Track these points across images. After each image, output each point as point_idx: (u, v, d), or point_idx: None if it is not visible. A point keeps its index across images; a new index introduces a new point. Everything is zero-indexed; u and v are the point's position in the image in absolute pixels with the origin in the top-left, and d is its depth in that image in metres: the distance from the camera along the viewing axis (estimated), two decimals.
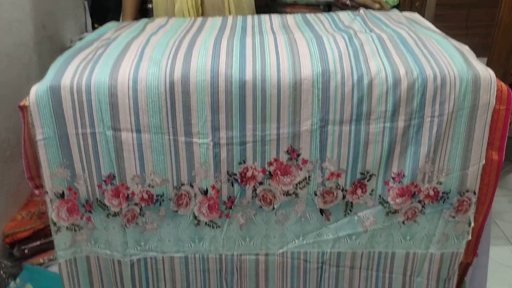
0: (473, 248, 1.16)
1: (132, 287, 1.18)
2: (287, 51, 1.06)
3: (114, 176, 1.05)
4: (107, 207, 1.08)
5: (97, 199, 1.07)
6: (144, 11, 1.87)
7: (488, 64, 1.81)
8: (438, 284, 1.17)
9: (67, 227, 1.09)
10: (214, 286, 1.20)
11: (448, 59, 1.03)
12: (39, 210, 1.54)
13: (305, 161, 1.05)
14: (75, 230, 1.10)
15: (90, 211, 1.09)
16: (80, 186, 1.06)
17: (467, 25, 2.25)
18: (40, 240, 1.45)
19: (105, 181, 1.05)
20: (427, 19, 1.56)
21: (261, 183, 1.07)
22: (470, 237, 1.12)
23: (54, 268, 1.41)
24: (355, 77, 0.98)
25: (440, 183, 1.06)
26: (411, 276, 1.18)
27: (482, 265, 1.28)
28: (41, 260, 1.42)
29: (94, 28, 2.10)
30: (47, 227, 1.47)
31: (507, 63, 1.84)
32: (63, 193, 1.06)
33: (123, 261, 1.14)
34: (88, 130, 1.01)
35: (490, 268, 1.33)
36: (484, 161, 1.05)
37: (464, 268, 1.21)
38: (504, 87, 1.01)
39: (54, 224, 1.09)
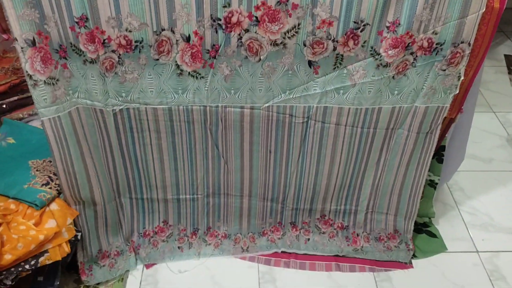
0: (459, 103, 1.15)
1: (117, 135, 1.17)
2: None
3: (87, 18, 0.96)
4: (83, 52, 1.01)
5: (71, 43, 1.00)
6: None
7: None
8: (418, 136, 1.19)
9: (44, 81, 1.02)
10: (199, 137, 1.20)
11: None
12: (13, 66, 1.46)
13: (295, 6, 0.97)
14: (53, 84, 1.04)
15: (65, 57, 1.02)
16: (51, 29, 0.97)
17: None
18: (17, 95, 1.40)
19: (77, 22, 0.96)
20: None
21: (247, 31, 1.00)
22: (457, 91, 1.10)
23: (35, 123, 1.38)
24: None
25: (436, 33, 1.01)
26: (393, 129, 1.19)
27: (465, 124, 1.30)
28: (21, 115, 1.39)
29: None
30: (22, 82, 1.42)
31: None
32: (33, 40, 0.98)
33: (105, 111, 1.11)
34: None
35: (470, 132, 1.35)
36: (484, 9, 0.98)
37: (447, 124, 1.22)
38: None
39: (30, 77, 1.01)
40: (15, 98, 1.39)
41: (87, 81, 1.06)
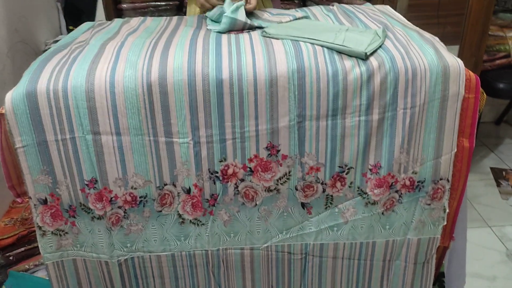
0: (449, 232, 1.20)
1: (121, 284, 1.19)
2: (262, 48, 1.07)
3: (96, 180, 1.05)
4: (91, 210, 1.08)
5: (80, 203, 1.08)
6: (118, 11, 1.86)
7: (460, 53, 1.86)
8: (416, 267, 1.22)
9: (52, 232, 1.10)
10: (202, 279, 1.22)
11: (418, 51, 1.06)
12: (22, 216, 1.54)
13: (284, 157, 1.07)
14: (60, 235, 1.11)
15: (74, 216, 1.09)
16: (62, 192, 1.06)
17: (439, 14, 2.30)
18: (24, 246, 1.45)
19: (87, 185, 1.05)
20: (400, 9, 1.60)
21: (242, 180, 1.09)
22: (445, 223, 1.16)
23: (40, 273, 1.41)
24: (330, 73, 1.01)
25: (415, 173, 1.10)
26: (390, 261, 1.22)
27: (460, 248, 1.33)
28: (27, 266, 1.42)
29: (68, 30, 2.08)
30: (30, 233, 1.47)
31: (478, 51, 1.89)
32: (45, 199, 1.06)
33: (111, 262, 1.15)
34: (68, 136, 1.01)
35: (469, 250, 1.38)
36: (455, 149, 1.09)
37: (442, 252, 1.26)
38: (473, 76, 1.04)
39: (40, 228, 1.10)
40: (22, 249, 1.43)
41: (93, 236, 1.12)
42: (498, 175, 2.35)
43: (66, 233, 1.11)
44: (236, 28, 1.24)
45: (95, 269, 1.17)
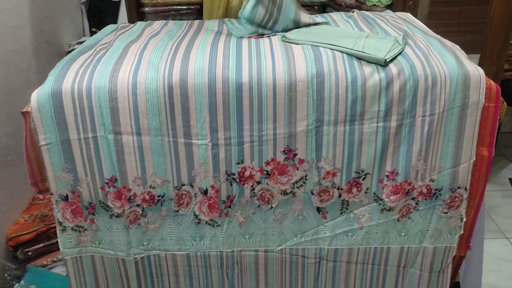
0: (466, 242, 1.19)
1: (137, 281, 1.21)
2: (282, 53, 1.09)
3: (116, 179, 1.07)
4: (110, 208, 1.11)
5: (100, 201, 1.10)
6: (140, 14, 1.89)
7: (481, 62, 1.83)
8: (431, 276, 1.21)
9: (72, 228, 1.13)
10: (216, 280, 1.23)
11: (439, 59, 1.06)
12: (42, 212, 1.57)
13: (301, 161, 1.08)
14: (79, 231, 1.13)
15: (93, 213, 1.12)
16: (83, 190, 1.09)
17: (459, 22, 2.28)
18: (43, 242, 1.48)
19: (107, 183, 1.08)
20: (420, 17, 1.59)
21: (259, 183, 1.10)
22: (462, 232, 1.15)
23: (57, 270, 1.44)
24: (349, 79, 1.01)
25: (433, 181, 1.09)
26: (404, 268, 1.21)
27: (476, 258, 1.31)
28: (45, 262, 1.45)
29: (92, 32, 2.12)
30: (49, 230, 1.50)
31: (499, 60, 1.86)
32: (67, 196, 1.09)
33: (127, 260, 1.17)
34: (90, 135, 1.04)
35: (486, 261, 1.36)
36: (474, 158, 1.08)
37: (458, 261, 1.24)
38: (493, 85, 1.04)
39: (60, 223, 1.12)
40: (41, 245, 1.47)
41: (111, 233, 1.14)
42: None
43: (86, 229, 1.13)
44: (256, 21, 1.25)
45: (112, 266, 1.19)
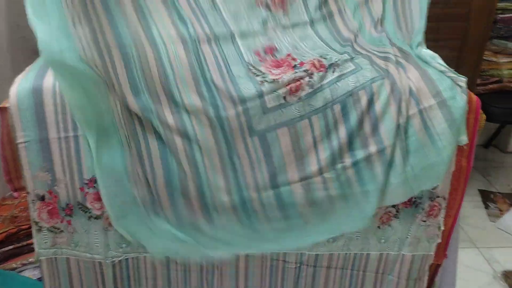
0: (443, 250, 1.22)
1: (114, 285, 1.18)
2: None
3: (96, 180, 1.04)
4: (89, 209, 1.08)
5: (78, 202, 1.07)
6: None
7: None
8: (408, 283, 1.23)
9: (48, 228, 1.09)
10: (195, 284, 1.21)
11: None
12: (12, 214, 1.51)
13: None
14: (55, 233, 1.09)
15: (70, 215, 1.08)
16: (60, 190, 1.05)
17: (436, 37, 2.35)
18: (13, 244, 1.42)
19: (87, 183, 1.05)
20: None
21: None
22: (440, 240, 1.18)
23: (27, 273, 1.38)
24: None
25: None
26: (383, 274, 1.23)
27: (451, 266, 1.34)
28: (14, 265, 1.39)
29: None
30: (20, 231, 1.45)
31: (473, 75, 1.93)
32: (43, 196, 1.05)
33: (104, 263, 1.14)
34: (71, 134, 1.01)
35: (457, 270, 1.39)
36: (454, 168, 1.10)
37: (434, 269, 1.27)
38: (474, 97, 1.07)
39: (36, 223, 1.08)
40: (11, 247, 1.41)
41: (89, 236, 1.11)
42: (486, 197, 2.39)
43: (62, 231, 1.09)
44: None
45: (88, 270, 1.15)
